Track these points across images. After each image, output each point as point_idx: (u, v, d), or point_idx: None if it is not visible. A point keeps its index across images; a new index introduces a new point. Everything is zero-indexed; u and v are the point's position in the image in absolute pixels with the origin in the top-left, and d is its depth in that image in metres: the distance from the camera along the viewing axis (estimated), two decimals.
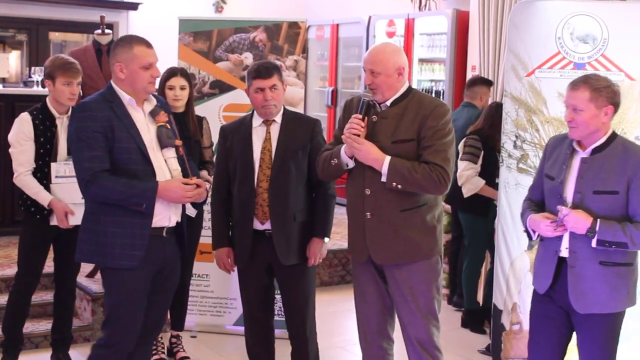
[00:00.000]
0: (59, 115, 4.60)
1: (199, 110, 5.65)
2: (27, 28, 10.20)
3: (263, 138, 4.24)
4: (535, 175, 3.98)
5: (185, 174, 3.78)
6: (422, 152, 3.74)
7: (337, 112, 10.01)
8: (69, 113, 4.62)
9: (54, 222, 4.55)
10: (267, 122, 4.25)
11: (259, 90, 4.15)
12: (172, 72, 4.93)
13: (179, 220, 3.84)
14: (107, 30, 6.30)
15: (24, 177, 4.52)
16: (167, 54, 6.81)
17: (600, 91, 3.52)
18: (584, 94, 3.53)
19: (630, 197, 3.51)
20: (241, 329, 5.51)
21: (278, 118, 4.26)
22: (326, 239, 4.33)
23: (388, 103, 3.84)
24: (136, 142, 3.64)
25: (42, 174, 4.55)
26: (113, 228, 3.62)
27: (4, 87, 8.21)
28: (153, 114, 3.77)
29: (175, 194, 3.66)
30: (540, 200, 3.83)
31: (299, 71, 5.77)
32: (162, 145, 3.74)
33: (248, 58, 5.70)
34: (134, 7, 10.35)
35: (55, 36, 10.62)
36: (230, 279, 5.55)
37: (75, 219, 4.51)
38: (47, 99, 4.62)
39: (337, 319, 6.26)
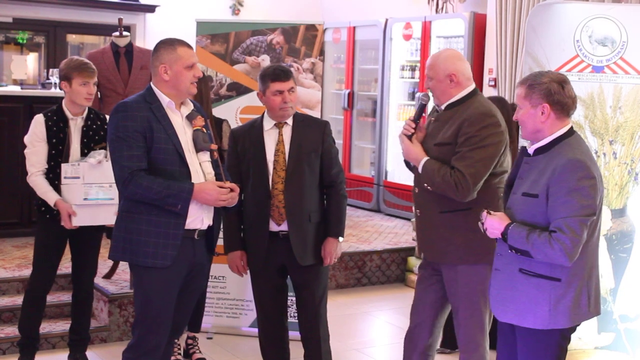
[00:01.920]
0: (72, 117, 4.64)
1: (216, 112, 5.68)
2: (45, 30, 10.27)
3: (276, 140, 4.26)
4: None
5: (218, 178, 3.82)
6: (453, 157, 3.83)
7: (354, 115, 10.02)
8: (84, 114, 4.68)
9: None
10: (279, 125, 4.28)
11: (278, 92, 4.18)
12: None
13: (211, 223, 3.86)
14: (124, 33, 6.34)
15: (35, 178, 4.58)
16: None
17: (534, 88, 3.33)
18: (521, 91, 3.38)
19: (548, 202, 3.26)
20: (257, 330, 5.53)
21: (289, 120, 4.29)
22: (340, 239, 4.36)
23: (443, 107, 3.96)
24: (174, 143, 3.69)
25: (55, 175, 4.60)
26: (147, 227, 3.66)
27: (22, 88, 8.28)
28: (190, 117, 3.81)
29: (210, 197, 3.69)
30: None
31: (316, 74, 5.77)
32: (198, 148, 3.78)
33: (265, 60, 5.70)
34: (151, 9, 10.39)
35: (72, 38, 10.68)
36: (246, 281, 5.54)
37: (78, 220, 4.54)
38: (63, 101, 4.67)
39: (353, 322, 6.25)
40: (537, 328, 3.33)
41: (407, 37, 9.22)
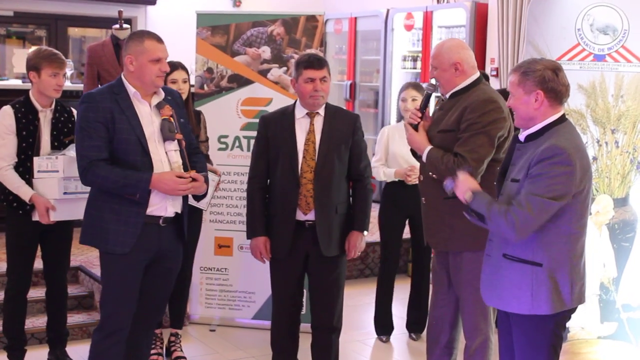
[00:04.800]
0: (41, 109, 4.49)
1: (217, 104, 5.68)
2: (47, 24, 10.25)
3: (307, 130, 4.26)
4: None
5: (185, 167, 3.83)
6: (456, 144, 3.87)
7: (356, 106, 9.99)
8: (53, 106, 4.54)
9: (36, 217, 4.43)
10: (311, 115, 4.27)
11: (310, 80, 4.18)
12: (173, 66, 4.86)
13: (178, 211, 3.90)
14: (125, 25, 6.32)
15: (5, 172, 4.41)
16: (185, 48, 6.84)
17: (528, 75, 3.29)
18: (514, 78, 3.34)
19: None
20: (260, 322, 5.54)
21: (321, 111, 4.29)
22: (365, 232, 4.37)
23: (447, 96, 3.99)
24: (136, 134, 3.74)
25: (25, 169, 4.44)
26: (109, 214, 3.76)
27: (23, 82, 8.25)
28: (159, 107, 3.85)
29: (167, 186, 3.73)
30: None
31: None
32: (164, 138, 3.82)
33: (266, 52, 5.69)
34: (152, 1, 10.37)
35: (74, 31, 10.67)
36: (249, 272, 5.55)
37: (57, 215, 4.41)
38: (31, 92, 4.51)
39: (356, 313, 6.25)
40: (521, 313, 3.34)
41: (409, 28, 9.19)
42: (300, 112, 4.29)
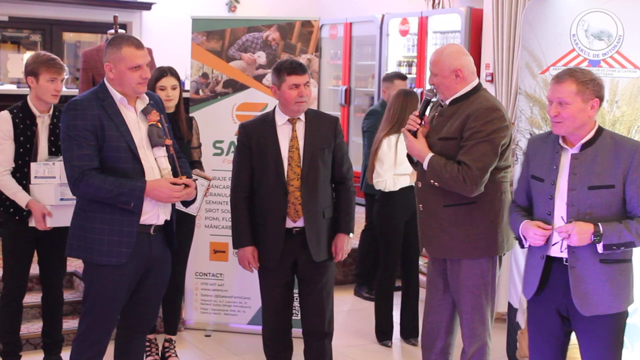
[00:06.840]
0: (39, 114, 4.48)
1: (212, 109, 5.67)
2: (42, 29, 10.27)
3: (289, 136, 4.24)
4: (519, 179, 3.83)
5: (175, 173, 3.79)
6: (460, 152, 3.84)
7: (351, 111, 10.00)
8: (51, 112, 4.53)
9: (32, 223, 4.44)
10: (293, 120, 4.25)
11: (294, 86, 4.15)
12: (162, 72, 4.85)
13: (168, 218, 3.84)
14: (120, 30, 6.33)
15: (1, 178, 4.41)
16: (181, 53, 6.86)
17: (587, 84, 3.44)
18: (571, 87, 3.44)
19: (627, 190, 3.43)
20: (256, 327, 5.53)
21: (302, 116, 4.27)
22: (351, 235, 4.37)
23: (447, 102, 3.95)
24: (126, 140, 3.66)
25: (22, 174, 4.44)
26: (101, 225, 3.65)
27: (18, 87, 8.25)
28: (145, 112, 3.77)
29: (163, 194, 3.67)
30: (527, 205, 3.72)
31: (312, 70, 5.75)
32: (153, 144, 3.75)
33: (261, 57, 5.69)
34: (147, 7, 10.38)
35: (69, 37, 10.67)
36: (244, 278, 5.54)
37: (53, 221, 4.41)
38: (28, 97, 4.50)
39: (350, 318, 6.25)
40: (620, 312, 3.49)
41: (404, 33, 9.20)
42: (281, 119, 4.26)
